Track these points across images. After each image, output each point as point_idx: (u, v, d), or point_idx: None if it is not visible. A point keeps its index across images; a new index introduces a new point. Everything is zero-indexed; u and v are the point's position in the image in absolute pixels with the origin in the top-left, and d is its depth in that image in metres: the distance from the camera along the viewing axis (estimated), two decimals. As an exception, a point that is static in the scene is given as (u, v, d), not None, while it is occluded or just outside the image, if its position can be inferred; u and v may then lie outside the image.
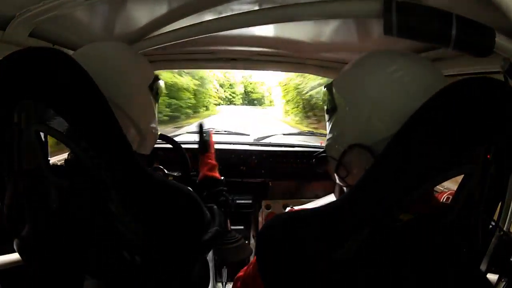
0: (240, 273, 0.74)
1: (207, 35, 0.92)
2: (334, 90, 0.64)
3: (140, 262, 0.62)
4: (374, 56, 0.61)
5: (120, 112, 0.68)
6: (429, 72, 0.56)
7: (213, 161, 1.08)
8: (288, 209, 1.50)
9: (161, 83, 0.83)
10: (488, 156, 0.52)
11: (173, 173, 1.16)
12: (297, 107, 13.58)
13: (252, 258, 0.72)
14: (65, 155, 1.12)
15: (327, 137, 0.67)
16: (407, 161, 0.48)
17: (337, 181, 0.67)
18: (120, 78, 0.71)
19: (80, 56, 0.64)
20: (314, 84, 11.37)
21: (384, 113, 0.55)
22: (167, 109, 10.90)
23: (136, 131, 0.75)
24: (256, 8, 0.84)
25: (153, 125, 0.81)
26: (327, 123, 0.67)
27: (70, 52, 1.01)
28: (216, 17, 0.89)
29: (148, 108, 0.79)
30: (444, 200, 0.64)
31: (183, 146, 1.15)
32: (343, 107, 0.61)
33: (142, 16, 0.96)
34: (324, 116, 0.68)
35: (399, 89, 0.55)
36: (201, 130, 1.16)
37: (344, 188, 0.68)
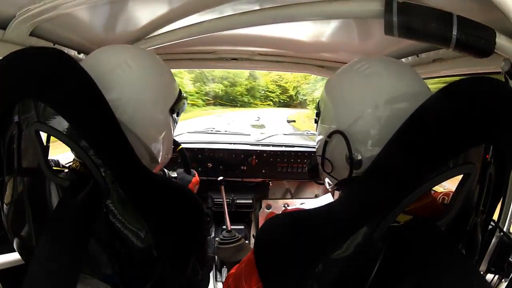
0: (232, 270, 0.75)
1: (207, 35, 0.92)
2: (319, 102, 0.70)
3: (139, 261, 0.62)
4: (352, 61, 0.66)
5: (134, 137, 0.64)
6: (395, 64, 0.62)
7: None
8: (282, 209, 1.51)
9: (184, 101, 0.76)
10: (487, 156, 0.52)
11: (173, 173, 1.16)
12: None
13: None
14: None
15: (316, 140, 0.71)
16: (406, 162, 0.48)
17: (327, 186, 0.71)
18: (135, 102, 0.64)
19: (91, 64, 0.63)
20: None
21: (351, 99, 0.60)
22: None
23: (149, 156, 0.71)
24: (256, 8, 0.84)
25: (168, 153, 0.75)
26: (316, 129, 0.72)
27: (71, 52, 1.02)
28: (216, 17, 0.89)
29: (165, 135, 0.72)
30: (440, 200, 0.64)
31: (183, 146, 1.15)
32: (323, 107, 0.67)
33: (142, 15, 0.96)
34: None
35: (362, 79, 0.60)
36: (186, 163, 1.12)
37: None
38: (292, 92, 15.77)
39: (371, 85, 0.59)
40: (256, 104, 15.15)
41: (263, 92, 15.53)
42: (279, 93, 15.73)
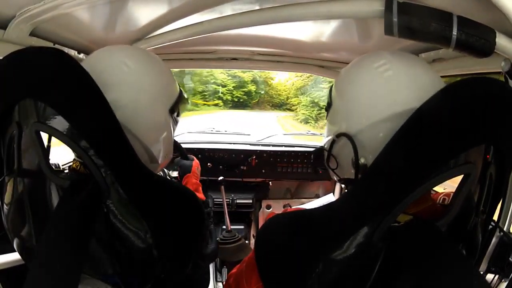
0: (234, 270, 0.75)
1: (207, 34, 0.92)
2: (332, 89, 0.67)
3: (140, 261, 0.62)
4: (366, 55, 0.63)
5: (133, 138, 0.64)
6: (417, 70, 0.58)
7: (197, 181, 1.04)
8: (283, 209, 1.51)
9: (185, 101, 0.76)
10: (488, 157, 0.52)
11: (173, 173, 1.16)
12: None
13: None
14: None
15: (325, 131, 0.69)
16: (406, 162, 0.48)
17: (334, 177, 0.69)
18: (135, 102, 0.65)
19: (90, 65, 0.63)
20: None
21: (365, 104, 0.57)
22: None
23: (148, 157, 0.70)
24: (256, 8, 0.84)
25: (168, 153, 0.75)
26: (326, 120, 0.69)
27: (71, 52, 1.02)
28: (216, 17, 0.89)
29: (165, 136, 0.72)
30: (440, 201, 0.64)
31: (183, 146, 1.15)
32: (336, 101, 0.64)
33: (142, 15, 0.96)
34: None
35: (380, 83, 0.57)
36: (182, 151, 1.13)
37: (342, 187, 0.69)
38: (251, 87, 10.24)
39: (389, 92, 0.55)
40: (197, 105, 9.39)
41: (207, 84, 9.39)
42: (233, 87, 9.96)
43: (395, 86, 0.55)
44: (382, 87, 0.56)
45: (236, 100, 10.21)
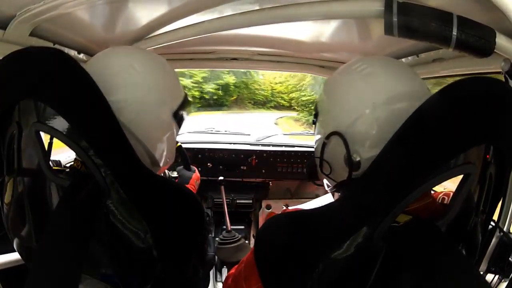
0: (232, 271, 0.75)
1: (207, 34, 0.92)
2: (317, 100, 0.70)
3: (140, 261, 0.62)
4: (346, 64, 0.66)
5: (135, 140, 0.64)
6: (394, 67, 0.62)
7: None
8: (282, 209, 1.52)
9: (190, 106, 0.76)
10: (488, 156, 0.52)
11: (173, 173, 1.16)
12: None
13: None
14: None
15: (314, 141, 0.71)
16: (406, 162, 0.48)
17: (326, 187, 0.71)
18: (140, 104, 0.65)
19: (96, 66, 0.63)
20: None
21: (350, 100, 0.60)
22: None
23: (150, 160, 0.70)
24: (256, 8, 0.84)
25: (170, 157, 0.75)
26: (314, 131, 0.71)
27: (71, 51, 1.02)
28: (216, 17, 0.89)
29: (168, 139, 0.72)
30: (440, 200, 0.64)
31: (183, 146, 1.15)
32: (322, 107, 0.67)
33: (142, 15, 0.96)
34: None
35: (361, 79, 0.60)
36: (186, 160, 1.13)
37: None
38: (229, 79, 7.57)
39: (369, 85, 0.59)
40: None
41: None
42: (202, 78, 7.04)
43: (375, 79, 0.59)
44: (363, 82, 0.60)
45: (207, 97, 7.23)
